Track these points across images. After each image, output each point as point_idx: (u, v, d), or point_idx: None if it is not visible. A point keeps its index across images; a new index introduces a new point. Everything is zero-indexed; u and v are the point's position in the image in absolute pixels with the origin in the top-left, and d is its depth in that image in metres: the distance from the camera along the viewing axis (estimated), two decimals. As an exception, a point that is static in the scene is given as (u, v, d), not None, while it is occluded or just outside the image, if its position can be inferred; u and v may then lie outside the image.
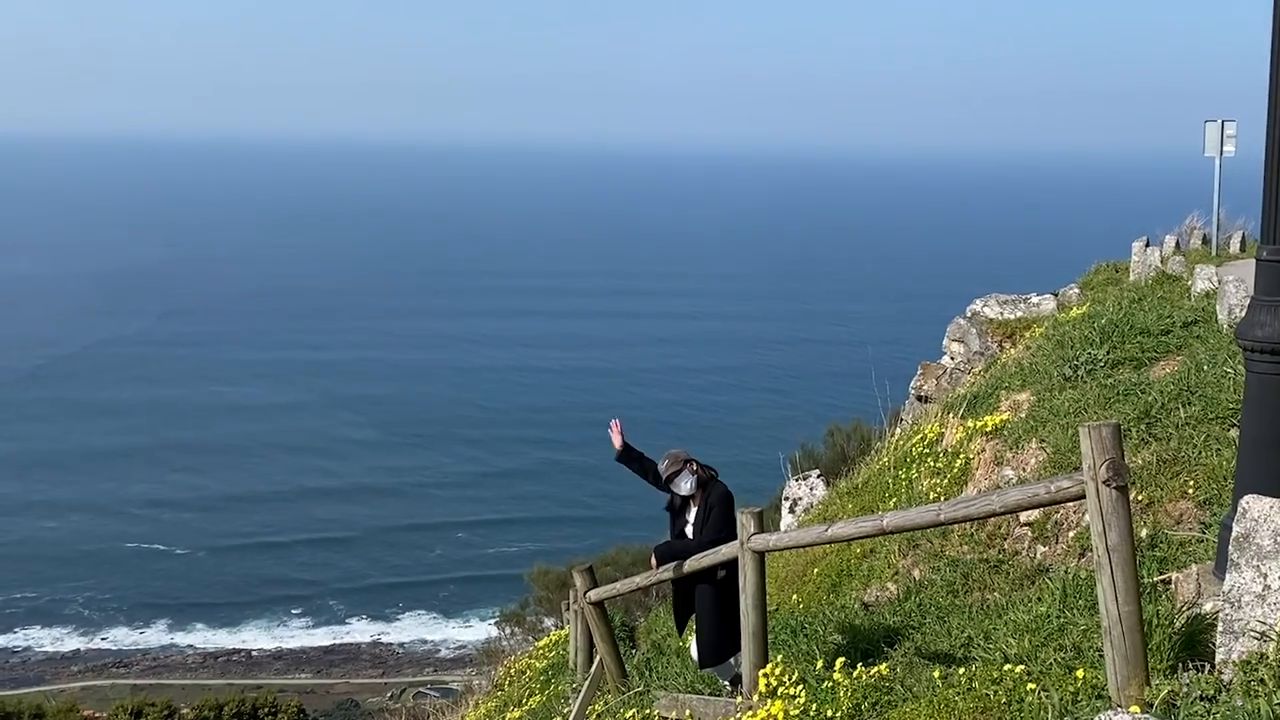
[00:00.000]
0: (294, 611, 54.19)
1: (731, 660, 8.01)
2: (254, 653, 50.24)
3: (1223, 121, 19.98)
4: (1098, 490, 4.30)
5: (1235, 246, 19.62)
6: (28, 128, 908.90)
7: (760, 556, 7.02)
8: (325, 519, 64.62)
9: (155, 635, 51.60)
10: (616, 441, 8.59)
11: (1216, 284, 12.76)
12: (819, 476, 17.53)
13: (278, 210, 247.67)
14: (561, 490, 70.21)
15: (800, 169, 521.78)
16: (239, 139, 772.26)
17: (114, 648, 50.33)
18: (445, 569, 58.70)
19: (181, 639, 51.38)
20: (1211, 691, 4.10)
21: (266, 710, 32.02)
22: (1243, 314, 10.60)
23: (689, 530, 8.38)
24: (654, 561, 8.47)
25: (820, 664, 6.64)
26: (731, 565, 7.85)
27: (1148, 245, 18.34)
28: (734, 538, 7.69)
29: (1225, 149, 19.86)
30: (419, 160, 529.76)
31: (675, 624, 9.04)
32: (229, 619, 53.15)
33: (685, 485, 8.27)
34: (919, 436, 13.17)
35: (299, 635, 52.07)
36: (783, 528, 15.24)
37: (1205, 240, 20.26)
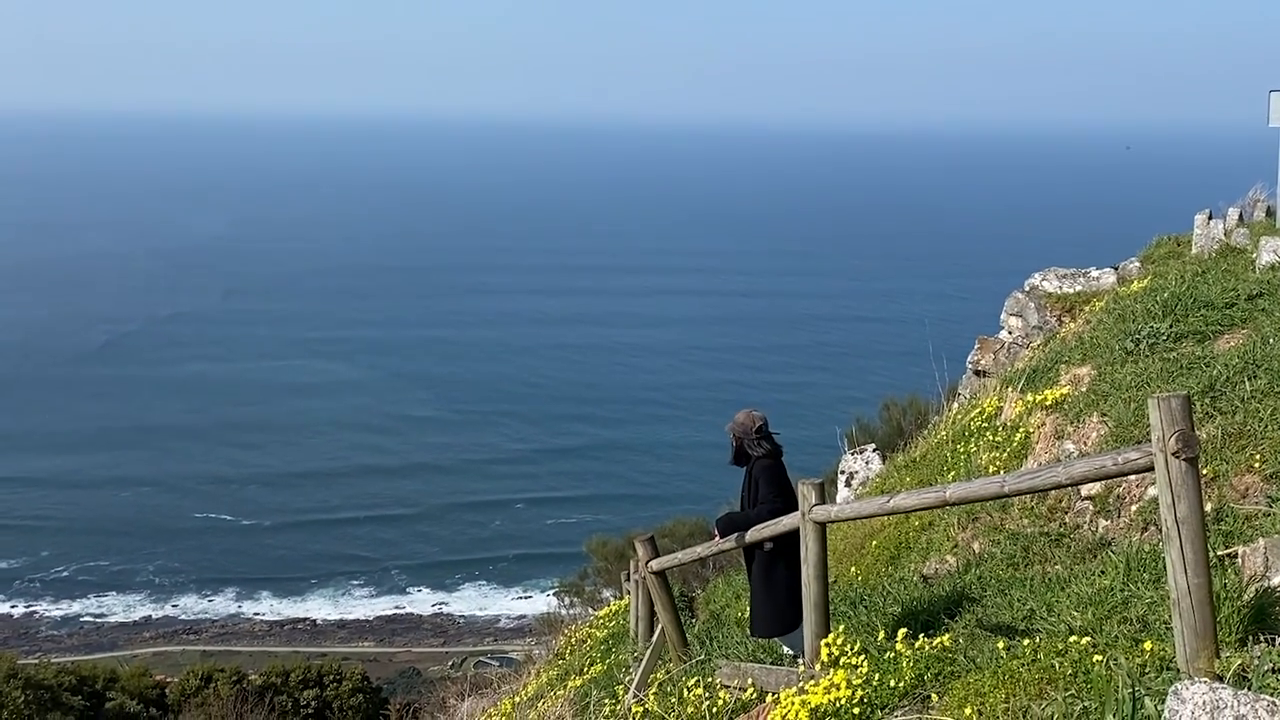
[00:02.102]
0: (356, 582, 55.25)
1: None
2: (318, 622, 51.40)
3: (1288, 91, 19.46)
4: (1167, 462, 4.31)
5: (1300, 219, 19.18)
6: (100, 108, 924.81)
7: (822, 527, 7.08)
8: (385, 495, 65.61)
9: (223, 604, 52.93)
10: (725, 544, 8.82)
11: (1283, 256, 12.54)
12: (875, 451, 17.51)
13: (342, 188, 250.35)
14: (616, 468, 70.58)
15: (854, 145, 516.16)
16: (305, 116, 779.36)
17: (184, 615, 51.75)
18: (504, 544, 59.42)
19: (249, 608, 52.66)
20: (1284, 665, 4.12)
21: (331, 677, 32.65)
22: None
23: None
24: (716, 534, 8.58)
25: (881, 635, 6.71)
26: (777, 539, 7.93)
27: (1210, 218, 18.01)
28: (787, 508, 7.78)
29: (1292, 119, 19.34)
30: (479, 136, 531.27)
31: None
32: (294, 589, 54.32)
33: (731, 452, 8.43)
34: (977, 411, 13.13)
35: (362, 605, 53.17)
36: (838, 502, 15.27)
37: (1270, 212, 19.82)
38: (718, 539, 8.56)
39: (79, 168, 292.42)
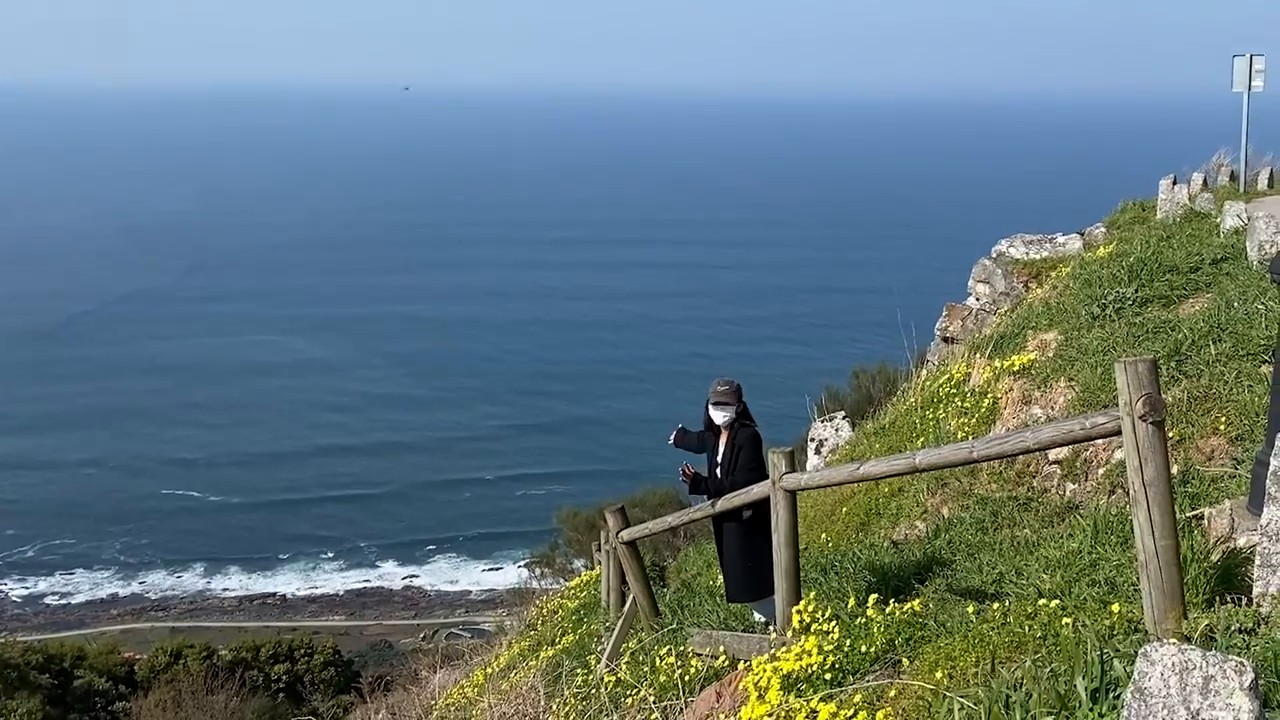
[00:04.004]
0: (326, 556, 55.07)
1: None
2: (288, 596, 51.23)
3: (1251, 56, 19.61)
4: (1134, 425, 4.31)
5: (1264, 183, 19.39)
6: (61, 81, 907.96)
7: (792, 495, 7.09)
8: (351, 474, 65.12)
9: (191, 580, 52.62)
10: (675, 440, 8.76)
11: (1246, 220, 12.63)
12: (844, 418, 17.57)
13: (309, 161, 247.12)
14: (583, 444, 70.39)
15: (820, 114, 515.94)
16: (273, 88, 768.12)
17: (152, 593, 51.43)
18: (473, 519, 59.29)
19: (218, 583, 52.39)
20: (1250, 624, 4.15)
21: (302, 651, 32.64)
22: (1273, 250, 10.56)
23: (717, 464, 8.45)
24: (686, 469, 8.44)
25: (852, 601, 6.73)
26: (757, 505, 7.92)
27: (1175, 183, 18.15)
28: (763, 478, 7.77)
29: (1254, 84, 19.51)
30: (446, 109, 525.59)
31: (723, 578, 9.05)
32: (262, 564, 54.07)
33: (722, 415, 8.31)
34: (945, 377, 13.19)
35: (332, 579, 53.04)
36: (808, 469, 15.32)
37: (1233, 177, 20.00)
38: (686, 475, 8.44)
39: (40, 143, 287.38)
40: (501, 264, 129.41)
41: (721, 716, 5.99)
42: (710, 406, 8.34)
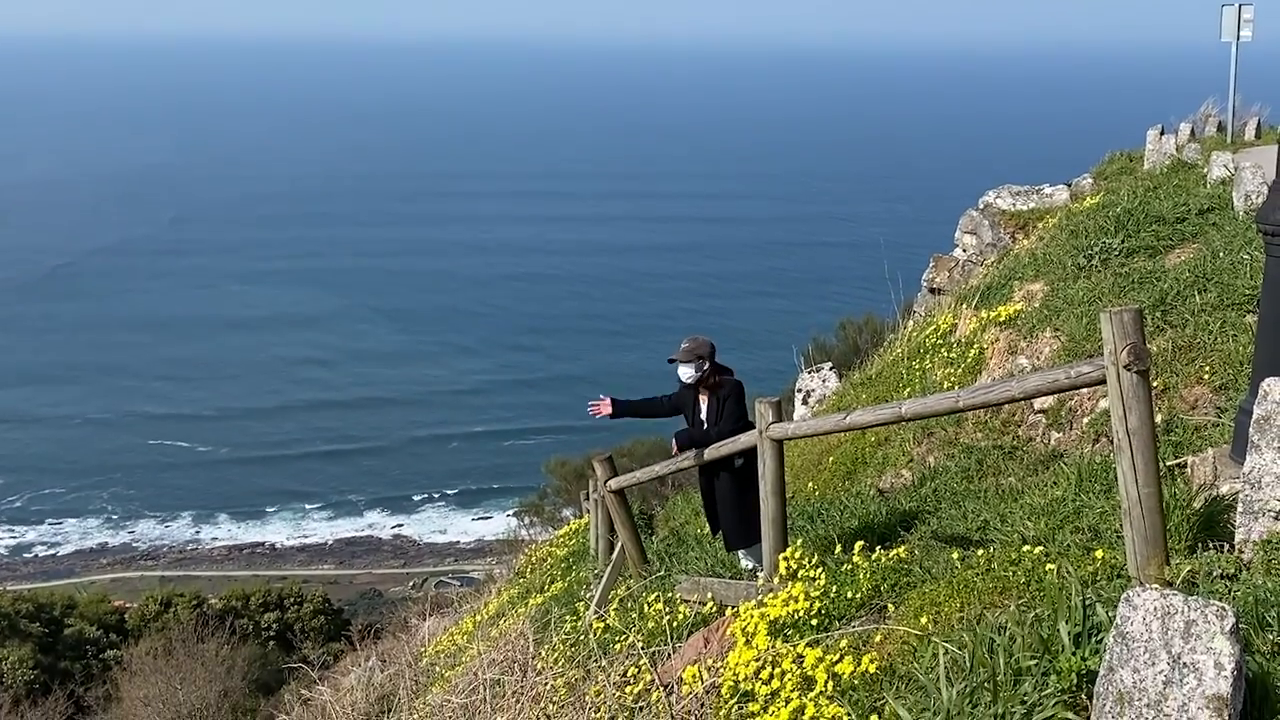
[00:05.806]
0: (314, 505, 55.21)
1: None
2: (278, 545, 51.45)
3: (1240, 5, 19.50)
4: (1119, 375, 4.34)
5: (1251, 133, 19.39)
6: (39, 30, 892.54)
7: (779, 445, 7.12)
8: (338, 428, 65.03)
9: (181, 529, 52.78)
10: (605, 410, 8.60)
11: (1233, 171, 12.64)
12: (831, 369, 17.62)
13: (292, 112, 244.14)
14: (568, 399, 70.18)
15: (804, 65, 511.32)
16: (254, 38, 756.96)
17: (141, 542, 51.58)
18: (461, 471, 59.42)
19: (207, 533, 52.57)
20: (1232, 570, 4.22)
21: (292, 600, 32.86)
22: (1259, 200, 10.58)
23: (701, 420, 8.49)
24: (674, 447, 8.57)
25: (838, 548, 6.80)
26: (748, 454, 7.97)
27: (1162, 133, 18.15)
28: (750, 427, 7.81)
29: (1242, 33, 19.44)
30: (430, 60, 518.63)
31: (709, 525, 9.13)
32: (252, 514, 54.22)
33: (685, 372, 8.34)
34: (932, 328, 13.23)
35: (321, 528, 53.24)
36: (796, 419, 15.37)
37: (1221, 127, 19.98)
38: (676, 454, 8.57)
39: (17, 92, 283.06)
40: (485, 218, 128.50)
41: (709, 661, 6.07)
42: (678, 364, 8.36)
